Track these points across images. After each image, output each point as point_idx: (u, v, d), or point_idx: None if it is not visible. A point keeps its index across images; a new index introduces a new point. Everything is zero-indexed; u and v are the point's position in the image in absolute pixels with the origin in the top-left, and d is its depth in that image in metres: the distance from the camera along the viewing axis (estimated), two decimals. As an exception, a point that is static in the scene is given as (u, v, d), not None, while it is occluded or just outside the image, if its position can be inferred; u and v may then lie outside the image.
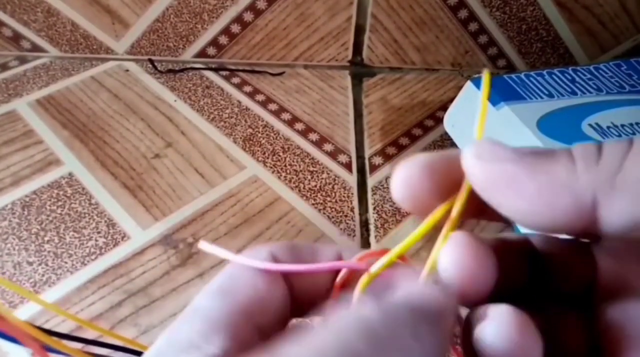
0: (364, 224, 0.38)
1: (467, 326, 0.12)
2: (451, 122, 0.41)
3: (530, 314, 0.13)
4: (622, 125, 0.36)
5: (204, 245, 0.15)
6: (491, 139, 0.12)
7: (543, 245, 0.14)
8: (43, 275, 0.34)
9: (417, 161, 0.13)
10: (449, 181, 0.13)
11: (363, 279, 0.13)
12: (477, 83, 0.38)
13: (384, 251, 0.14)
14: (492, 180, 0.11)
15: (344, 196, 0.40)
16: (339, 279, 0.14)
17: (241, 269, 0.13)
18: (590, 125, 0.35)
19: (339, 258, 0.15)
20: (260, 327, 0.12)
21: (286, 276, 0.14)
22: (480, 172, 0.12)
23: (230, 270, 0.13)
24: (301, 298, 0.14)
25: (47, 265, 0.34)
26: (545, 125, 0.34)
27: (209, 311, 0.12)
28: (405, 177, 0.13)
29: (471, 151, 0.12)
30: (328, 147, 0.44)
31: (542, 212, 0.11)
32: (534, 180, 0.11)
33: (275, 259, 0.14)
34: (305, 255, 0.14)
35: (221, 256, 0.14)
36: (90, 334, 0.28)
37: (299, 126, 0.46)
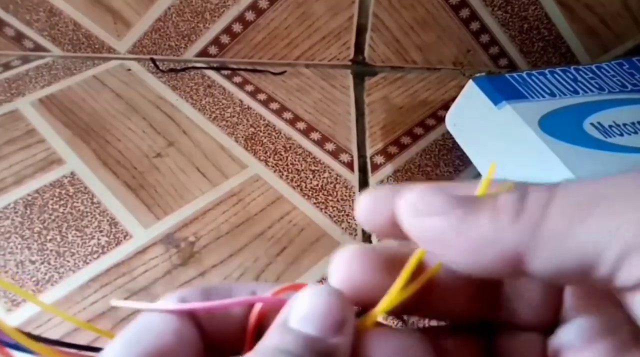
0: (366, 223, 0.38)
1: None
2: (453, 121, 0.41)
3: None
4: (624, 124, 0.35)
5: (116, 302, 0.14)
6: (423, 188, 0.12)
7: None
8: (45, 274, 0.34)
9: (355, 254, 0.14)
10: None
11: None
12: (479, 82, 0.38)
13: (299, 286, 0.13)
14: (424, 235, 0.12)
15: (345, 195, 0.40)
16: (252, 315, 0.13)
17: (148, 318, 0.13)
18: (592, 124, 0.35)
19: (253, 295, 0.14)
20: None
21: (197, 320, 0.13)
22: (412, 228, 0.12)
23: (138, 319, 0.13)
24: (217, 340, 0.14)
25: (49, 264, 0.34)
26: (547, 124, 0.34)
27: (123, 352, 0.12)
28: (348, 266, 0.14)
29: (403, 205, 0.12)
30: (330, 146, 0.44)
31: (473, 264, 0.11)
32: (461, 236, 0.11)
33: (185, 303, 0.13)
34: (218, 295, 0.14)
35: (134, 307, 0.14)
36: (89, 335, 0.28)
37: (301, 125, 0.46)
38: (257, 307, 0.13)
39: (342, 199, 0.40)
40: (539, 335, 0.14)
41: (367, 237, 0.37)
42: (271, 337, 0.12)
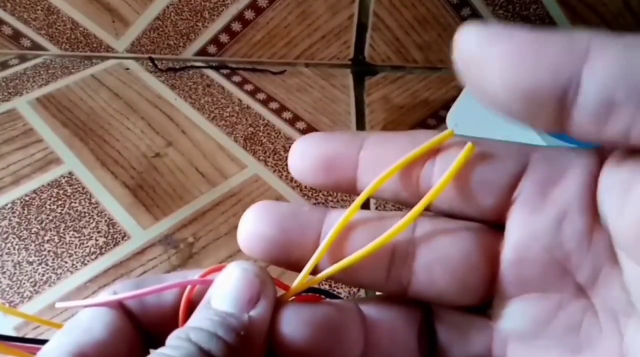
0: (366, 224, 0.38)
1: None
2: (454, 121, 0.41)
3: None
4: (627, 125, 0.35)
5: (59, 304, 0.15)
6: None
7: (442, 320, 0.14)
8: (43, 275, 0.34)
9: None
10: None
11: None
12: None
13: (223, 266, 0.14)
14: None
15: (345, 196, 0.40)
16: (183, 297, 0.14)
17: (81, 315, 0.14)
18: (594, 124, 0.35)
19: (183, 279, 0.15)
20: None
21: (130, 312, 0.14)
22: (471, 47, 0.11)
23: (74, 317, 0.14)
24: (154, 330, 0.14)
25: (47, 264, 0.34)
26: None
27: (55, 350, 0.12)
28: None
29: (463, 31, 0.11)
30: (329, 146, 0.44)
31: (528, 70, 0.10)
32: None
33: (121, 304, 0.14)
34: (149, 284, 0.14)
35: (76, 306, 0.14)
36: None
37: (301, 125, 0.45)
38: (187, 291, 0.14)
39: (341, 199, 0.39)
40: (473, 312, 0.14)
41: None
42: (192, 318, 0.13)
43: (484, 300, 0.13)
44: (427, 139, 0.13)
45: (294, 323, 0.13)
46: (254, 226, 0.14)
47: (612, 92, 0.09)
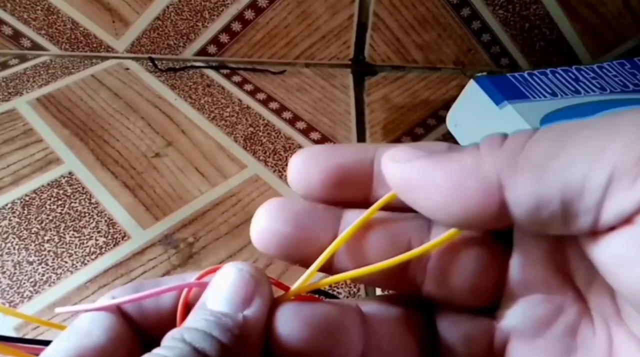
0: (366, 224, 0.38)
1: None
2: (454, 121, 0.41)
3: None
4: (627, 125, 0.35)
5: (59, 309, 0.15)
6: (407, 145, 0.13)
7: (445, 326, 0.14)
8: (43, 275, 0.34)
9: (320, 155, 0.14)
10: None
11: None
12: (480, 82, 0.38)
13: (218, 268, 0.14)
14: (406, 178, 0.12)
15: (345, 196, 0.40)
16: (180, 300, 0.14)
17: (80, 319, 0.14)
18: (594, 124, 0.35)
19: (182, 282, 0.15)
20: None
21: (129, 317, 0.14)
22: (395, 173, 0.12)
23: (73, 322, 0.14)
24: (153, 334, 0.14)
25: (47, 264, 0.34)
26: (549, 124, 0.34)
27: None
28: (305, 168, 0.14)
29: (388, 155, 0.13)
30: (329, 146, 0.44)
31: (453, 202, 0.11)
32: (442, 169, 0.11)
33: (119, 309, 0.14)
34: (146, 288, 0.14)
35: (75, 310, 0.14)
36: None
37: (301, 125, 0.45)
38: (184, 293, 0.14)
39: (342, 200, 0.39)
40: (478, 314, 0.14)
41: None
42: (188, 319, 0.13)
43: (491, 302, 0.14)
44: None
45: (292, 323, 0.13)
46: (268, 223, 0.13)
47: (537, 205, 0.10)
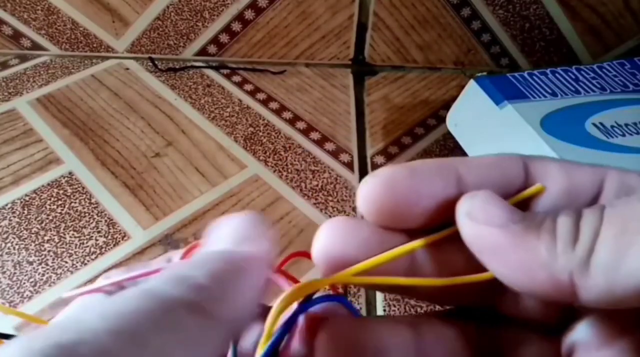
0: (366, 224, 0.38)
1: None
2: (454, 121, 0.41)
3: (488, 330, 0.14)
4: (626, 125, 0.35)
5: (65, 294, 0.15)
6: (486, 195, 0.12)
7: None
8: (43, 274, 0.34)
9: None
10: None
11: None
12: (480, 82, 0.38)
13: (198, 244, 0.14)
14: (479, 241, 0.12)
15: (345, 196, 0.40)
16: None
17: (81, 299, 0.14)
18: (594, 124, 0.35)
19: (169, 262, 0.15)
20: None
21: None
22: (469, 231, 0.12)
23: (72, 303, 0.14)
24: None
25: (47, 264, 0.34)
26: (549, 124, 0.34)
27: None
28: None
29: (464, 208, 0.12)
30: (329, 146, 0.44)
31: (522, 283, 0.11)
32: (516, 254, 0.11)
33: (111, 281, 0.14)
34: (138, 268, 0.15)
35: (80, 292, 0.15)
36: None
37: (301, 125, 0.45)
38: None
39: (342, 200, 0.39)
40: (547, 331, 0.13)
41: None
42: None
43: (562, 318, 0.13)
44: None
45: (328, 341, 0.13)
46: (334, 247, 0.13)
47: (611, 304, 0.11)
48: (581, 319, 0.13)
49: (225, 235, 0.13)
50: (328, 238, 0.13)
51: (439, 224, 0.13)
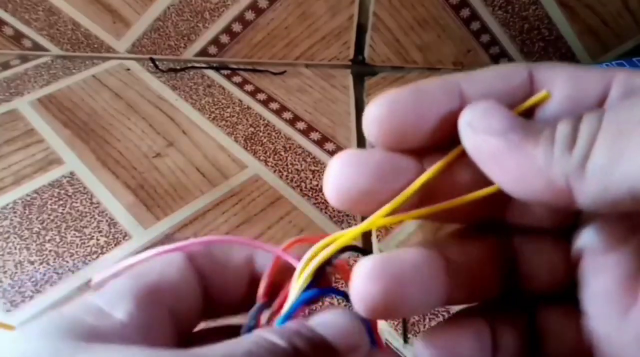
0: (366, 224, 0.38)
1: None
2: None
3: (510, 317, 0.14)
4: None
5: (96, 278, 0.15)
6: (487, 105, 0.12)
7: (521, 247, 0.14)
8: (44, 274, 0.34)
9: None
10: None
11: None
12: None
13: (309, 239, 0.14)
14: (479, 150, 0.12)
15: (345, 196, 0.40)
16: (268, 271, 0.14)
17: (150, 262, 0.14)
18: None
19: (250, 258, 0.15)
20: (173, 312, 0.13)
21: (200, 275, 0.14)
22: (470, 141, 0.12)
23: (140, 265, 0.14)
24: (217, 300, 0.14)
25: (48, 264, 0.34)
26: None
27: (117, 286, 0.13)
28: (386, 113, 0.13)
29: (465, 118, 0.12)
30: (330, 146, 0.44)
31: (522, 190, 0.12)
32: (514, 159, 0.11)
33: (191, 259, 0.14)
34: (219, 254, 0.14)
35: (118, 269, 0.14)
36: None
37: (301, 125, 0.46)
38: (271, 265, 0.14)
39: (342, 200, 0.39)
40: (556, 237, 0.14)
41: (367, 238, 0.37)
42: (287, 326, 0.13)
43: (569, 222, 0.14)
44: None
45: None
46: (346, 179, 0.13)
47: (606, 206, 0.11)
48: (587, 224, 0.13)
49: (333, 330, 0.13)
50: (340, 171, 0.13)
51: (446, 139, 0.13)
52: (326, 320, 0.13)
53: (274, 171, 0.41)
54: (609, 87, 0.12)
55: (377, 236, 0.37)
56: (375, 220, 0.13)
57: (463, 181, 0.13)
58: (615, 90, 0.12)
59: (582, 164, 0.11)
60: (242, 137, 0.44)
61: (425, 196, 0.13)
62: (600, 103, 0.12)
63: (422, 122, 0.13)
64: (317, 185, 0.40)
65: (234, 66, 0.51)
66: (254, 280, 0.14)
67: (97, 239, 0.36)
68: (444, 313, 0.33)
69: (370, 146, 0.14)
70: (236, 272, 0.14)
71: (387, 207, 0.13)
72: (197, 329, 0.14)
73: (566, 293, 0.14)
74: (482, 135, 0.12)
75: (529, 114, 0.13)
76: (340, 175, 0.13)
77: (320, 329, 0.12)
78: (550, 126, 0.12)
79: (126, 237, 0.36)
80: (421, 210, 0.13)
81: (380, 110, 0.13)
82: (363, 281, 0.12)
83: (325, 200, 0.39)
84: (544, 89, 0.13)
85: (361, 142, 0.45)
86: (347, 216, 0.38)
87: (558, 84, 0.13)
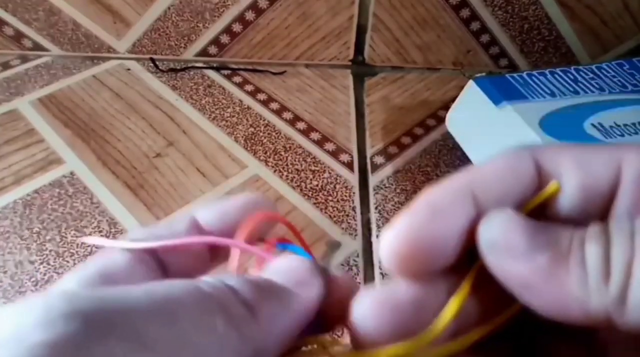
0: (366, 224, 0.38)
1: None
2: (453, 121, 0.41)
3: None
4: (625, 125, 0.35)
5: (85, 238, 0.16)
6: (503, 219, 0.12)
7: None
8: (45, 274, 0.34)
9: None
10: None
11: None
12: (479, 82, 0.38)
13: (269, 216, 0.14)
14: (507, 276, 0.12)
15: (345, 196, 0.40)
16: (233, 262, 0.14)
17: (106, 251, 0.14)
18: (592, 124, 0.35)
19: (194, 225, 0.15)
20: None
21: (156, 255, 0.14)
22: (495, 265, 0.12)
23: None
24: (179, 274, 0.14)
25: (48, 264, 0.34)
26: (548, 124, 0.34)
27: (79, 272, 0.13)
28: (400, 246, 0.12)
29: (485, 238, 0.12)
30: (330, 146, 0.44)
31: (556, 313, 0.11)
32: (547, 289, 0.11)
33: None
34: (162, 229, 0.15)
35: (103, 244, 0.15)
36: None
37: (301, 125, 0.46)
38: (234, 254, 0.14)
39: (342, 200, 0.40)
40: (577, 335, 0.13)
41: (367, 238, 0.37)
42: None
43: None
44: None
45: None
46: (372, 327, 0.12)
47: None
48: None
49: (281, 273, 0.13)
50: (363, 318, 0.12)
51: (465, 252, 0.12)
52: (272, 265, 0.13)
53: (274, 171, 0.41)
54: (619, 170, 0.12)
55: (377, 236, 0.37)
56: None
57: (487, 298, 0.13)
58: (627, 174, 0.12)
59: (621, 298, 0.10)
60: (242, 137, 0.44)
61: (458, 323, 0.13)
62: (612, 189, 0.12)
63: (442, 245, 0.12)
64: (317, 185, 0.41)
65: (234, 66, 0.51)
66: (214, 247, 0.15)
67: (98, 239, 0.36)
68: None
69: (389, 276, 0.13)
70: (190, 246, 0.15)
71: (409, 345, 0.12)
72: None
73: None
74: (507, 260, 0.11)
75: (542, 208, 0.12)
76: (364, 321, 0.12)
77: (266, 274, 0.13)
78: (577, 245, 0.11)
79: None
80: (450, 345, 0.12)
81: (396, 241, 0.12)
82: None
83: (325, 200, 0.39)
84: (552, 178, 0.12)
85: (361, 142, 0.45)
86: (347, 215, 0.38)
87: (566, 171, 0.12)
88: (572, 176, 0.12)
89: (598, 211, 0.12)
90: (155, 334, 0.10)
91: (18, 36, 0.50)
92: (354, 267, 0.35)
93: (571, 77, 0.39)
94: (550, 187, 0.12)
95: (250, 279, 0.12)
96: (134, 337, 0.09)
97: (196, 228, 0.15)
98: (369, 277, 0.35)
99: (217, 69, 0.51)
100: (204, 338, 0.10)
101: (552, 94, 0.37)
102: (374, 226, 0.38)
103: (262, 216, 0.15)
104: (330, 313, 0.13)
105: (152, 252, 0.14)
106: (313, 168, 0.42)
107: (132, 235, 0.14)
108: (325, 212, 0.39)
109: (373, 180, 0.41)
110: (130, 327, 0.09)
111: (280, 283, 0.13)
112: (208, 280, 0.12)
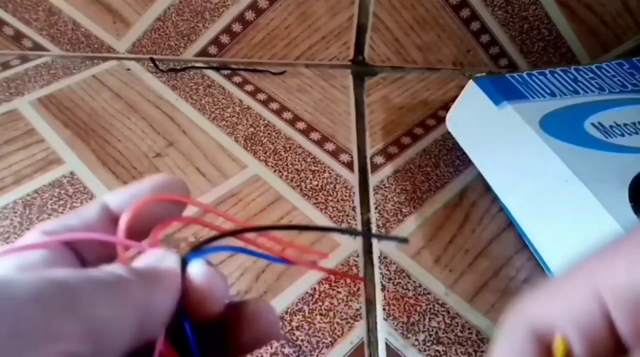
0: (366, 224, 0.38)
1: None
2: (453, 121, 0.41)
3: None
4: (625, 125, 0.35)
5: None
6: None
7: None
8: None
9: None
10: None
11: None
12: (480, 82, 0.38)
13: (159, 198, 0.16)
14: None
15: (345, 195, 0.40)
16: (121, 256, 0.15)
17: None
18: (592, 124, 0.35)
19: (105, 210, 0.16)
20: None
21: (70, 245, 0.15)
22: None
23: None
24: (98, 257, 0.16)
25: (48, 264, 0.34)
26: (548, 124, 0.34)
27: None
28: None
29: None
30: (329, 146, 0.44)
31: None
32: None
33: (50, 235, 0.15)
34: (71, 218, 0.16)
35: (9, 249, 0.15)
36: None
37: (301, 125, 0.46)
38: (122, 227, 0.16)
39: (342, 199, 0.40)
40: None
41: (367, 240, 0.37)
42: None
43: None
44: None
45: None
46: None
47: None
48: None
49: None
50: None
51: None
52: (147, 256, 0.16)
53: (274, 171, 0.41)
54: (603, 303, 0.12)
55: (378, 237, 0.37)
56: None
57: None
58: (610, 300, 0.12)
59: None
60: (242, 137, 0.44)
61: None
62: (607, 319, 0.12)
63: None
64: (317, 185, 0.41)
65: (234, 66, 0.51)
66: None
67: (98, 239, 0.36)
68: (444, 313, 0.33)
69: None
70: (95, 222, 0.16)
71: None
72: None
73: None
74: None
75: None
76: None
77: (143, 262, 0.15)
78: None
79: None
80: None
81: None
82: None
83: (325, 200, 0.39)
84: (551, 337, 0.13)
85: (361, 142, 0.45)
86: (347, 215, 0.38)
87: (561, 330, 0.13)
88: (569, 334, 0.12)
89: (608, 340, 0.12)
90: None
91: (18, 36, 0.50)
92: (354, 267, 0.35)
93: (571, 76, 0.39)
94: (559, 345, 0.13)
95: (132, 266, 0.14)
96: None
97: (107, 213, 0.16)
98: (369, 277, 0.35)
99: (217, 69, 0.51)
100: (105, 312, 0.12)
101: (552, 94, 0.37)
102: (374, 226, 0.38)
103: (147, 200, 0.16)
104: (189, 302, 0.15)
105: (67, 243, 0.15)
106: (313, 168, 0.42)
107: (43, 226, 0.15)
108: (325, 212, 0.39)
109: (373, 180, 0.41)
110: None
111: (151, 266, 0.15)
112: (104, 268, 0.13)
